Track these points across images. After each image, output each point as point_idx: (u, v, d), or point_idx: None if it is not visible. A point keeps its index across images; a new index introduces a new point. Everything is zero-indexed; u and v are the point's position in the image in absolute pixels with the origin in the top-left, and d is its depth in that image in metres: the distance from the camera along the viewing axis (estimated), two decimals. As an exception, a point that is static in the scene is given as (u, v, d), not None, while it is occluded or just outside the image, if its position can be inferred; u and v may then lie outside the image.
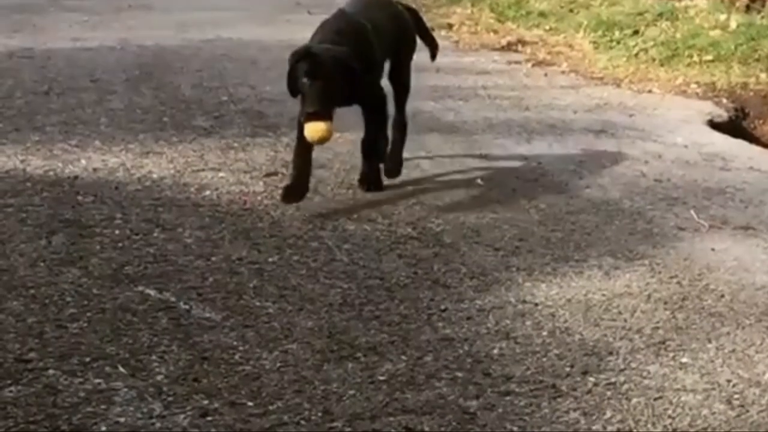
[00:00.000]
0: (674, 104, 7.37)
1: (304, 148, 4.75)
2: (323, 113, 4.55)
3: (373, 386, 3.16)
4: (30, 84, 6.87)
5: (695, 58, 8.52)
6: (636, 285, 4.05)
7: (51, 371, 3.15)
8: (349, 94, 4.70)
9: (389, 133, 5.17)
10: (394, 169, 5.18)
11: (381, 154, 5.07)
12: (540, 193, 5.14)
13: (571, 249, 4.41)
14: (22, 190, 4.82)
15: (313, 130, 4.56)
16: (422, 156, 5.63)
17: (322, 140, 4.63)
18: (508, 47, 9.28)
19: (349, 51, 4.67)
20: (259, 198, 4.81)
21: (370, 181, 5.03)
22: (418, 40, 5.48)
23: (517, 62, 8.66)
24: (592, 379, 3.28)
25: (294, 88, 4.70)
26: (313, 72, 4.57)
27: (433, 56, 5.73)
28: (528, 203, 4.98)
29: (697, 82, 7.97)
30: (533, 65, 8.58)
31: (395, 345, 3.45)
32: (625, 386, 3.24)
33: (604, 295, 3.94)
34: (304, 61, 4.62)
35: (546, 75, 8.24)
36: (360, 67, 4.66)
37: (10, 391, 3.01)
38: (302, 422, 2.93)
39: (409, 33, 5.39)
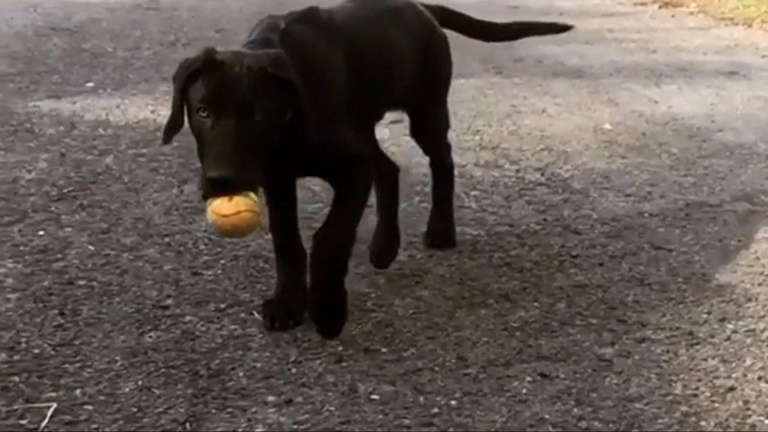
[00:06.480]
0: (809, 44, 7.13)
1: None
2: (240, 181, 2.57)
3: (506, 333, 3.14)
4: (157, 35, 6.97)
5: (831, -4, 8.23)
6: (774, 230, 3.94)
7: (188, 317, 3.20)
8: (288, 138, 2.73)
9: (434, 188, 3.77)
10: (448, 238, 3.71)
11: (344, 262, 2.98)
12: (671, 137, 5.03)
13: (705, 194, 4.31)
14: (153, 140, 4.89)
15: (221, 212, 2.58)
16: (548, 101, 5.55)
17: (243, 229, 2.65)
18: (634, -11, 9.10)
19: (282, 54, 2.79)
20: (385, 145, 4.78)
21: (322, 322, 3.02)
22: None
23: (643, 4, 8.48)
24: (730, 326, 3.21)
25: (176, 123, 2.76)
26: (216, 98, 2.63)
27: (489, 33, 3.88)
28: (658, 148, 4.87)
29: (833, 21, 7.71)
30: (660, 7, 8.39)
31: (527, 291, 3.42)
32: (766, 333, 3.15)
33: (740, 240, 3.84)
34: (202, 76, 2.68)
35: (673, 16, 8.04)
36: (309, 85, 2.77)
37: (150, 337, 3.07)
38: (437, 368, 2.92)
39: (438, 60, 3.51)
